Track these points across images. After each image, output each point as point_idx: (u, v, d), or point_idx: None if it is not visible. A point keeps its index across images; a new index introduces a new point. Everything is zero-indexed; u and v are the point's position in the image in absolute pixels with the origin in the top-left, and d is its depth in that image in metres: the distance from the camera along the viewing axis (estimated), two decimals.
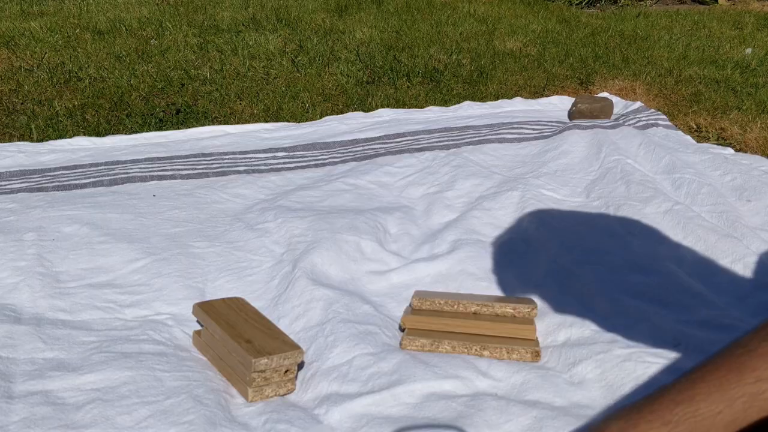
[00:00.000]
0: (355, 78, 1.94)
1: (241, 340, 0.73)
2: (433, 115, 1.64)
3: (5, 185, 1.21)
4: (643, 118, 1.55)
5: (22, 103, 1.69)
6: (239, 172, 1.29)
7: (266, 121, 1.62)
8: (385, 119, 1.60)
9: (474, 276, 0.96)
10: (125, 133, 1.51)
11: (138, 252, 0.99)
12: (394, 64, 2.07)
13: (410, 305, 0.86)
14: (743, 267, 0.98)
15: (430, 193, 1.22)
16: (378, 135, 1.49)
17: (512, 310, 0.84)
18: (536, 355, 0.78)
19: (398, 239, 1.07)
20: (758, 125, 1.61)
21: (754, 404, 0.37)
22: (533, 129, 1.53)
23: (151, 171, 1.27)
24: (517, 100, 1.76)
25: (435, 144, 1.43)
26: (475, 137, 1.46)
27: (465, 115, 1.65)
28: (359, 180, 1.25)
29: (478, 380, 0.74)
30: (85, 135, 1.49)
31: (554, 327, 0.84)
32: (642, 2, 3.50)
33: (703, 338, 0.80)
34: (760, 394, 0.37)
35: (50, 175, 1.26)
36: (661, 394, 0.39)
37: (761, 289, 0.93)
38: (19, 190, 1.19)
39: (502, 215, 1.13)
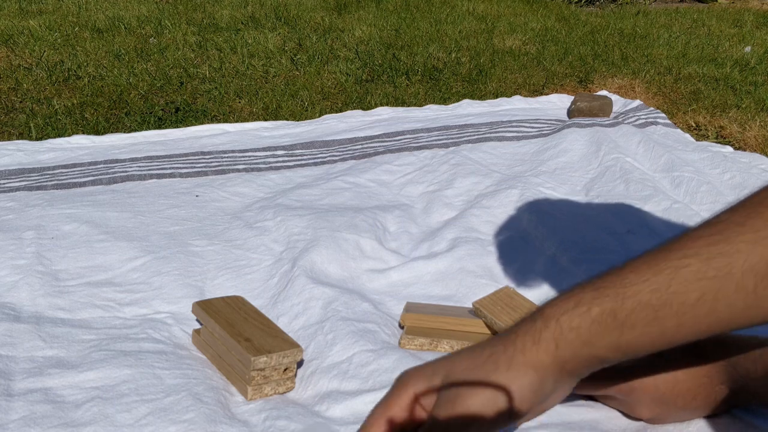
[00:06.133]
0: (355, 76, 1.94)
1: (240, 338, 0.73)
2: (432, 114, 1.64)
3: (4, 184, 1.21)
4: (642, 117, 1.55)
5: (20, 102, 1.69)
6: (238, 170, 1.29)
7: (265, 120, 1.62)
8: (384, 117, 1.60)
9: (473, 273, 0.96)
10: (124, 132, 1.51)
11: (137, 250, 0.99)
12: (393, 62, 2.07)
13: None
14: None
15: (429, 192, 1.22)
16: (377, 133, 1.49)
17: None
18: None
19: (397, 237, 1.07)
20: (757, 123, 1.61)
21: (677, 275, 0.44)
22: (532, 127, 1.53)
23: (150, 169, 1.27)
24: (517, 98, 1.76)
25: (434, 142, 1.43)
26: (474, 135, 1.46)
27: (464, 113, 1.65)
28: (358, 178, 1.25)
29: None
30: (84, 133, 1.49)
31: None
32: (641, 0, 3.50)
33: None
34: (684, 267, 0.44)
35: (49, 174, 1.26)
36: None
37: None
38: (18, 189, 1.19)
39: (501, 213, 1.13)
